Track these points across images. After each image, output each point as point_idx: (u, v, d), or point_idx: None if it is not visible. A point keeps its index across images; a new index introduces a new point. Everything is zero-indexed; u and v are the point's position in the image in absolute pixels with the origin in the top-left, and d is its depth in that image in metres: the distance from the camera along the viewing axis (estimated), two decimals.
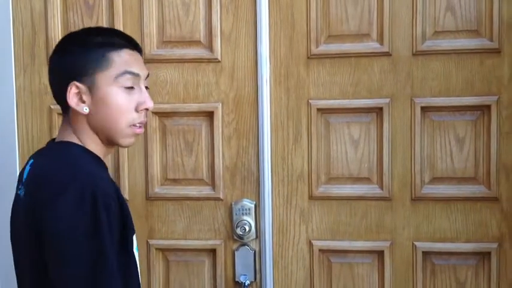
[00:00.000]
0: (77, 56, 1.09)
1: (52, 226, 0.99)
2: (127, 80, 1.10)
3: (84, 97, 1.09)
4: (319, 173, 1.64)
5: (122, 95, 1.10)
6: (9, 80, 1.65)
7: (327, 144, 1.63)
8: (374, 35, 1.59)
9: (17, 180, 1.17)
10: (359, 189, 1.63)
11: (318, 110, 1.62)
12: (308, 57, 1.62)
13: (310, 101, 1.62)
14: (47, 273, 1.01)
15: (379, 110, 1.60)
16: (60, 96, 1.12)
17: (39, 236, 1.01)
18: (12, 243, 1.16)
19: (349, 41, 1.60)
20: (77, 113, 1.11)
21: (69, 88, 1.08)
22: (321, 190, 1.64)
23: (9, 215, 1.16)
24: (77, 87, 1.08)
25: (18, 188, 1.14)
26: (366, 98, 1.61)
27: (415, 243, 1.61)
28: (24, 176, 1.12)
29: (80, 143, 1.12)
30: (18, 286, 1.16)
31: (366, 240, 1.63)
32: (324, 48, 1.61)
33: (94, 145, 1.13)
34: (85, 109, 1.09)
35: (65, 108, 1.13)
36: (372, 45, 1.59)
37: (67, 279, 0.97)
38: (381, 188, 1.61)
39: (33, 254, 1.04)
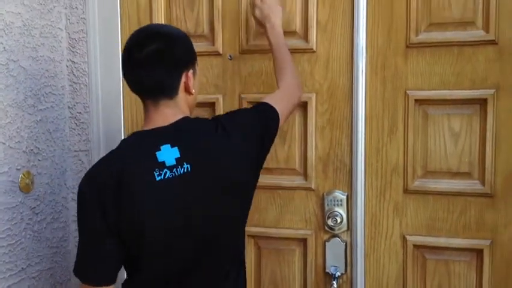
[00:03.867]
0: (186, 47, 1.30)
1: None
2: None
3: (191, 81, 1.30)
4: (416, 166, 1.59)
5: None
6: (117, 72, 1.76)
7: (425, 137, 1.58)
8: (479, 22, 1.51)
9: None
10: (458, 185, 1.56)
11: (416, 101, 1.57)
12: (407, 47, 1.57)
13: (407, 91, 1.58)
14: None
15: (483, 102, 1.52)
16: (171, 83, 1.26)
17: (234, 188, 1.25)
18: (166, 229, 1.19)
19: (451, 29, 1.53)
20: (184, 95, 1.29)
21: (188, 74, 1.28)
22: (417, 184, 1.59)
23: None
24: (192, 73, 1.30)
25: (167, 169, 1.18)
26: (468, 88, 1.53)
27: None
28: (171, 157, 1.19)
29: None
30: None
31: (464, 238, 1.56)
32: (424, 36, 1.56)
33: None
34: (194, 90, 1.31)
35: (171, 93, 1.27)
36: (476, 33, 1.51)
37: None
38: (482, 183, 1.54)
39: (226, 209, 1.24)
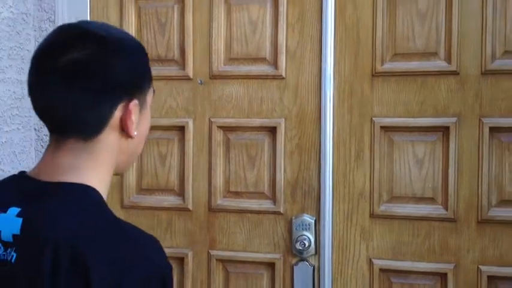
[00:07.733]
0: (134, 64, 0.85)
1: None
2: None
3: (134, 117, 0.84)
4: (381, 191, 1.63)
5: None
6: None
7: (390, 163, 1.62)
8: (442, 53, 1.57)
9: None
10: (422, 209, 1.60)
11: (382, 127, 1.62)
12: (373, 75, 1.62)
13: (373, 118, 1.62)
14: None
15: (445, 129, 1.58)
16: (92, 115, 0.81)
17: None
18: None
19: (415, 59, 1.59)
20: (117, 137, 0.84)
21: (130, 107, 0.83)
22: (383, 208, 1.63)
23: None
24: (137, 105, 0.84)
25: (1, 244, 0.80)
26: (431, 116, 1.59)
27: (480, 266, 1.57)
28: (8, 231, 0.79)
29: (94, 185, 0.83)
30: None
31: (429, 262, 1.60)
32: (389, 66, 1.61)
33: (105, 185, 0.86)
34: (135, 133, 0.85)
35: (89, 131, 0.82)
36: (439, 64, 1.57)
37: None
38: (446, 208, 1.58)
39: None
